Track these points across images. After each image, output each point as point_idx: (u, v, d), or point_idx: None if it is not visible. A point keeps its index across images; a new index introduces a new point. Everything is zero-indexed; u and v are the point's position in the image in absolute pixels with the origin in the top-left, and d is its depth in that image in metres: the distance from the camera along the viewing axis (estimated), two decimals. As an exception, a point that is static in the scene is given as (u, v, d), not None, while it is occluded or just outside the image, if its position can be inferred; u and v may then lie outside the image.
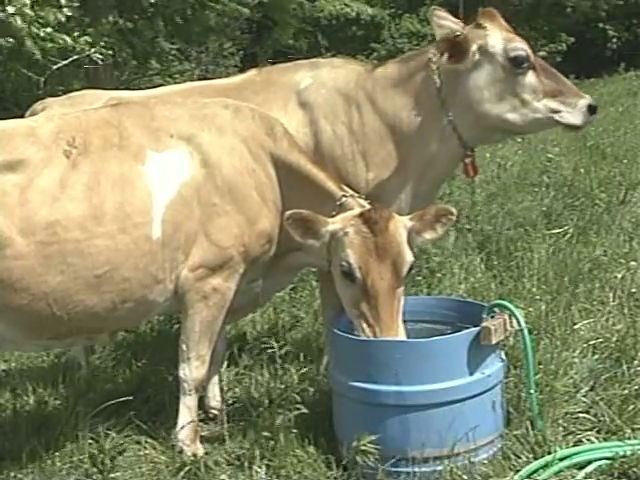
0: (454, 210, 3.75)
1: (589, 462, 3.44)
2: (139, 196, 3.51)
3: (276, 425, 3.66)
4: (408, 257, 3.58)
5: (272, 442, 3.64)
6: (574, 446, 3.57)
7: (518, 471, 3.40)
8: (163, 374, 4.62)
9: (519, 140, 10.97)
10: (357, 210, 3.66)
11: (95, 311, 3.48)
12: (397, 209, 4.12)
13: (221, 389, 4.31)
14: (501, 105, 4.00)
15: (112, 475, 3.70)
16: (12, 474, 3.73)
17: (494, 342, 3.46)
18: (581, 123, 4.03)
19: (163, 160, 3.60)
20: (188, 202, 3.59)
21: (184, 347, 3.77)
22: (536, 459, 3.46)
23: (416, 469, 3.39)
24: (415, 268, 3.93)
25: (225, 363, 4.46)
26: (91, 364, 4.74)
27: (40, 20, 8.33)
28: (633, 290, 5.13)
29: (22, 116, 4.30)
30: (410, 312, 3.78)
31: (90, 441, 3.88)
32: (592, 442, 3.60)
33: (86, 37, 9.34)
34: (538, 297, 4.98)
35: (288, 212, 3.59)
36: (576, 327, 4.60)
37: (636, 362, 4.14)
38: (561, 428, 3.68)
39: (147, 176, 3.55)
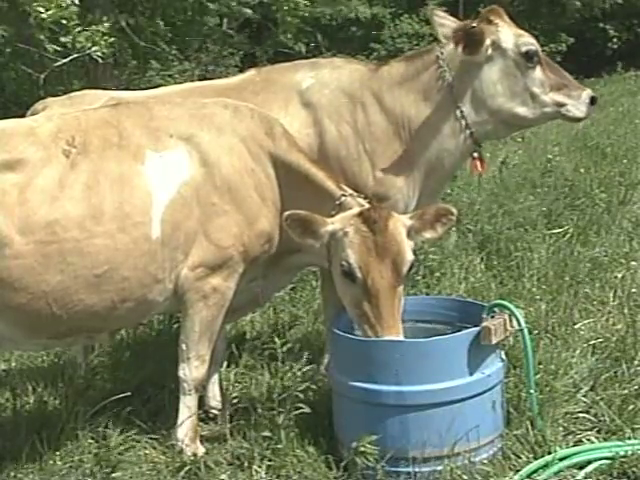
0: (454, 210, 3.75)
1: (589, 462, 3.44)
2: (138, 196, 3.51)
3: (276, 425, 3.66)
4: (408, 256, 3.57)
5: (272, 442, 3.64)
6: (574, 446, 3.57)
7: (518, 471, 3.40)
8: (163, 374, 4.61)
9: (519, 140, 10.98)
10: (356, 209, 3.66)
11: (94, 310, 3.48)
12: (404, 206, 4.14)
13: (221, 389, 4.31)
14: (512, 99, 4.10)
15: (113, 475, 3.71)
16: (12, 474, 3.73)
17: (494, 342, 3.46)
18: (584, 115, 4.18)
19: (162, 160, 3.60)
20: (187, 202, 3.59)
21: (184, 347, 3.77)
22: (536, 459, 3.46)
23: (416, 469, 3.39)
24: (414, 268, 3.93)
25: (225, 363, 4.46)
26: (90, 363, 4.74)
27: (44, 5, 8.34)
28: (633, 290, 5.13)
29: (22, 116, 4.30)
30: (410, 312, 3.78)
31: (90, 440, 3.89)
32: (592, 442, 3.60)
33: (86, 33, 9.33)
34: (538, 297, 4.98)
35: (286, 213, 3.59)
36: (576, 327, 4.60)
37: (636, 362, 4.14)
38: (561, 428, 3.68)
39: (146, 176, 3.55)
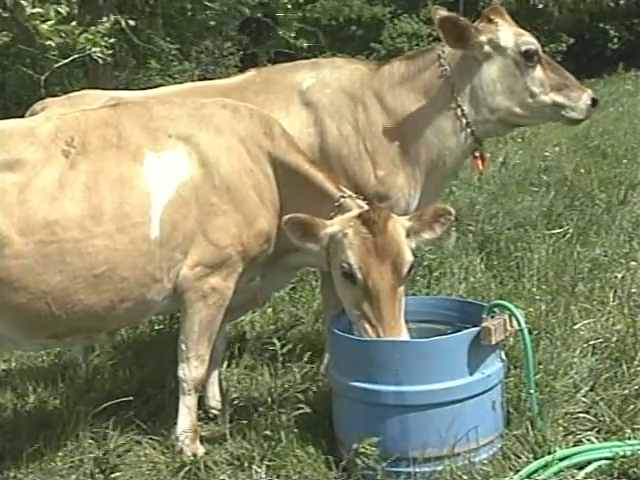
0: (452, 210, 3.76)
1: (589, 462, 3.44)
2: (137, 196, 3.51)
3: (276, 425, 3.66)
4: (408, 257, 3.57)
5: (272, 442, 3.64)
6: (574, 446, 3.57)
7: (518, 471, 3.40)
8: (163, 374, 4.61)
9: (519, 140, 10.98)
10: (355, 211, 3.66)
11: (94, 310, 3.49)
12: (406, 205, 4.14)
13: (221, 389, 4.31)
14: (512, 98, 4.11)
15: (112, 475, 3.71)
16: (12, 474, 3.73)
17: (494, 342, 3.46)
18: (584, 117, 4.19)
19: (161, 160, 3.60)
20: (186, 202, 3.59)
21: (183, 347, 3.77)
22: (536, 459, 3.45)
23: (416, 469, 3.39)
24: (414, 268, 3.93)
25: (225, 363, 4.46)
26: (91, 364, 4.74)
27: (41, 16, 8.37)
28: (633, 290, 5.13)
29: (22, 116, 4.31)
30: (410, 312, 3.78)
31: (90, 441, 3.89)
32: (592, 442, 3.60)
33: (86, 34, 9.34)
34: (538, 297, 4.98)
35: (286, 216, 3.58)
36: (576, 327, 4.60)
37: (636, 362, 4.14)
38: (561, 428, 3.68)
39: (145, 176, 3.55)
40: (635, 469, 3.36)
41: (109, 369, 4.75)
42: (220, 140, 3.74)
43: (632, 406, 3.76)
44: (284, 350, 3.79)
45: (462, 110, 4.12)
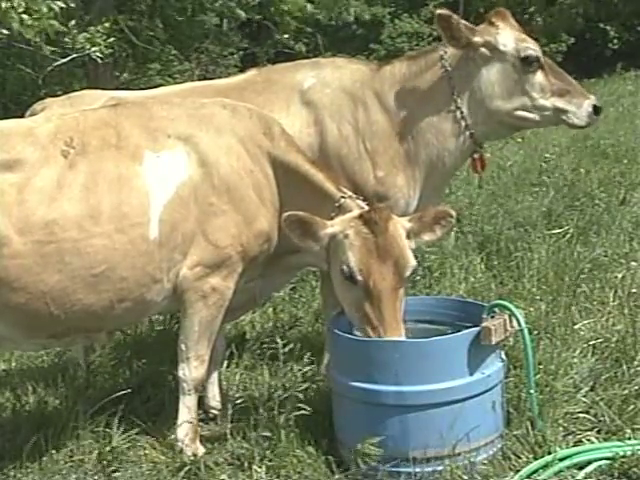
0: (453, 212, 3.75)
1: (589, 462, 3.44)
2: (136, 196, 3.51)
3: (276, 425, 3.66)
4: (409, 258, 3.57)
5: (272, 442, 3.64)
6: (574, 446, 3.56)
7: (518, 471, 3.40)
8: (163, 374, 4.61)
9: (519, 140, 10.97)
10: (356, 212, 3.65)
11: (93, 310, 3.49)
12: (405, 206, 4.14)
13: (221, 389, 4.31)
14: (511, 102, 4.10)
15: (113, 475, 3.71)
16: (12, 474, 3.73)
17: (494, 342, 3.46)
18: (585, 124, 4.17)
19: (160, 160, 3.60)
20: (185, 202, 3.59)
21: (183, 347, 3.77)
22: (536, 459, 3.45)
23: (416, 469, 3.39)
24: (415, 270, 3.93)
25: (225, 363, 4.46)
26: (91, 363, 4.74)
27: (34, 12, 8.30)
28: (633, 290, 5.12)
29: (22, 116, 4.31)
30: (410, 312, 3.78)
31: (91, 440, 3.89)
32: (592, 442, 3.60)
33: (85, 34, 9.33)
34: (538, 297, 4.98)
35: (286, 214, 3.58)
36: (576, 327, 4.60)
37: (636, 362, 4.14)
38: (561, 428, 3.67)
39: (144, 176, 3.55)
40: (635, 469, 3.35)
41: (109, 369, 4.75)
42: (219, 140, 3.74)
43: (632, 406, 3.76)
44: (285, 350, 3.79)
45: (462, 112, 4.12)
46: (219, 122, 3.79)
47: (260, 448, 3.63)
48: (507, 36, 4.10)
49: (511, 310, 3.59)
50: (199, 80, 10.71)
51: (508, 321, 3.57)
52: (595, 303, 5.03)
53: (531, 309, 4.73)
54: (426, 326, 3.91)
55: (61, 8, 8.68)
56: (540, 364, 3.99)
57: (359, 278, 3.50)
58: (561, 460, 3.42)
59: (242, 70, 5.83)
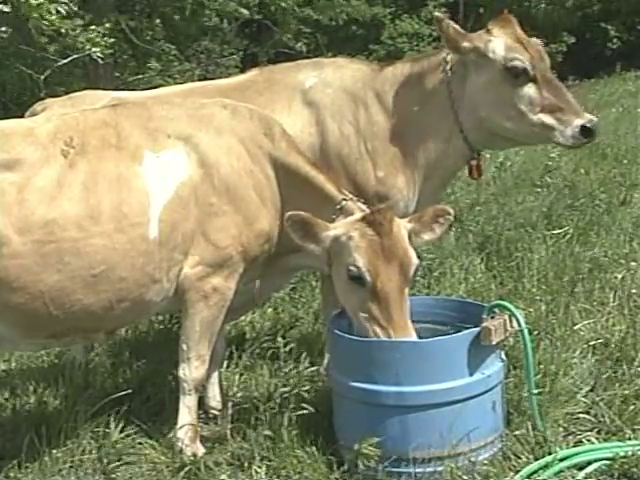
0: (451, 210, 3.77)
1: (589, 463, 3.44)
2: (136, 196, 3.51)
3: (277, 425, 3.66)
4: (414, 257, 3.58)
5: (273, 442, 3.64)
6: (574, 447, 3.57)
7: (518, 471, 3.40)
8: (163, 374, 4.61)
9: (519, 140, 10.95)
10: (359, 214, 3.65)
11: (92, 310, 3.48)
12: (405, 207, 4.14)
13: (221, 389, 4.31)
14: (499, 112, 4.02)
15: (112, 475, 3.71)
16: (12, 474, 3.73)
17: (494, 342, 3.46)
18: (570, 144, 4.02)
19: (160, 160, 3.60)
20: (185, 202, 3.59)
21: (184, 347, 3.77)
22: (536, 459, 3.45)
23: (417, 470, 3.39)
24: (419, 270, 3.94)
25: (225, 363, 4.46)
26: (90, 363, 4.74)
27: (38, 7, 8.34)
28: (633, 291, 5.13)
29: (22, 116, 4.31)
30: (410, 312, 3.78)
31: (90, 440, 3.89)
32: (592, 443, 3.60)
33: (86, 34, 9.35)
34: (538, 297, 4.98)
35: (288, 213, 3.58)
36: (576, 328, 4.60)
37: (636, 363, 4.14)
38: (561, 429, 3.68)
39: (144, 176, 3.55)
40: (635, 469, 3.36)
41: (109, 369, 4.75)
42: (220, 140, 3.74)
43: (632, 406, 3.76)
44: (286, 349, 3.79)
45: (457, 117, 4.09)
46: (219, 122, 3.79)
47: (260, 448, 3.64)
48: (498, 44, 3.99)
49: (511, 310, 3.60)
50: (199, 80, 10.71)
51: (508, 321, 3.57)
52: (595, 303, 5.03)
53: (531, 309, 4.74)
54: (426, 326, 3.91)
55: (67, 12, 8.74)
56: (540, 364, 4.00)
57: (367, 279, 3.48)
58: (561, 460, 3.43)
59: (242, 70, 5.84)
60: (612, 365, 4.19)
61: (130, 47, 13.18)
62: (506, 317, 3.57)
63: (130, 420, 4.03)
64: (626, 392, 3.88)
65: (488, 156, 9.48)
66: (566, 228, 6.46)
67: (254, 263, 3.82)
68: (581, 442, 3.62)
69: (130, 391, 4.09)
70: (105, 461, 3.77)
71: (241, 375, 4.60)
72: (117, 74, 13.78)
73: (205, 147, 3.69)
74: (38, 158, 3.43)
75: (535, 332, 4.35)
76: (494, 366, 3.54)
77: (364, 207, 3.73)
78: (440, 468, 3.40)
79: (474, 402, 3.44)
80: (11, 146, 3.43)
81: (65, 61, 10.45)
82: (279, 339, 3.79)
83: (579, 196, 7.45)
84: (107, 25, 10.12)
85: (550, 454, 3.46)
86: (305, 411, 3.65)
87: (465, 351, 3.43)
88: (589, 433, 3.67)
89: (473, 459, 3.42)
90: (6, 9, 8.29)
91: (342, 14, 17.39)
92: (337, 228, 3.62)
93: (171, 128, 3.70)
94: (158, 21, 13.55)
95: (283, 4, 13.36)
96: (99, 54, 9.69)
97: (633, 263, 5.63)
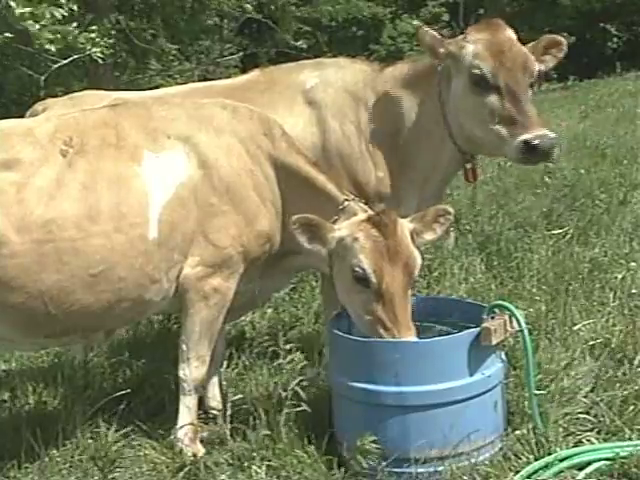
0: (451, 209, 3.77)
1: (589, 463, 3.44)
2: (135, 196, 3.51)
3: (276, 425, 3.66)
4: (418, 258, 3.58)
5: (272, 442, 3.64)
6: (574, 447, 3.56)
7: (518, 472, 3.39)
8: (163, 374, 4.61)
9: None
10: (363, 215, 3.65)
11: (91, 310, 3.49)
12: (405, 209, 4.13)
13: (221, 389, 4.31)
14: (468, 119, 3.98)
15: (112, 475, 3.71)
16: (12, 474, 3.73)
17: (494, 343, 3.46)
18: (514, 159, 3.92)
19: (160, 160, 3.60)
20: (185, 202, 3.59)
21: (184, 347, 3.77)
22: (536, 460, 3.45)
23: (417, 470, 3.39)
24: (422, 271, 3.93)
25: (225, 363, 4.45)
26: (90, 362, 4.74)
27: (32, 15, 8.34)
28: (633, 291, 5.13)
29: (22, 116, 4.31)
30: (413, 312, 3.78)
31: (90, 440, 3.89)
32: (592, 443, 3.60)
33: (86, 34, 9.34)
34: (538, 297, 4.97)
35: (295, 217, 3.56)
36: (576, 328, 4.60)
37: (636, 363, 4.14)
38: (561, 429, 3.67)
39: (143, 176, 3.55)
40: (635, 470, 3.35)
41: (108, 369, 4.75)
42: (220, 141, 3.74)
43: (632, 407, 3.75)
44: (285, 348, 3.79)
45: (446, 120, 4.06)
46: (219, 122, 3.79)
47: (260, 448, 3.63)
48: (468, 50, 3.92)
49: (511, 311, 3.59)
50: (199, 80, 10.71)
51: (508, 322, 3.57)
52: (595, 303, 5.03)
53: (531, 309, 4.73)
54: (426, 326, 3.91)
55: (63, 16, 8.73)
56: (540, 364, 3.99)
57: (373, 280, 3.48)
58: (561, 461, 3.42)
59: (243, 70, 5.85)
60: (612, 365, 4.19)
61: (130, 47, 13.18)
62: (506, 317, 3.57)
63: (130, 420, 4.03)
64: (626, 392, 3.87)
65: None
66: (566, 228, 6.45)
67: (254, 263, 3.81)
68: (581, 442, 3.61)
69: (129, 391, 4.09)
70: (105, 461, 3.76)
71: (241, 375, 4.60)
72: (117, 74, 13.79)
73: (205, 147, 3.68)
74: (37, 158, 3.44)
75: (535, 332, 4.35)
76: (494, 366, 3.54)
77: (366, 207, 3.73)
78: (440, 468, 3.40)
79: (474, 402, 3.44)
80: (10, 145, 3.44)
81: (65, 62, 10.45)
82: (280, 337, 3.77)
83: (579, 196, 7.44)
84: (107, 25, 10.12)
85: (550, 454, 3.45)
86: (305, 410, 3.65)
87: (465, 351, 3.43)
88: (589, 433, 3.67)
89: (473, 459, 3.42)
90: (7, 20, 8.30)
91: (341, 12, 17.38)
92: (342, 229, 3.62)
93: (171, 128, 3.70)
94: (158, 21, 13.55)
95: (280, 2, 13.37)
96: (99, 54, 9.69)
97: (633, 263, 5.62)
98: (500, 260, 5.96)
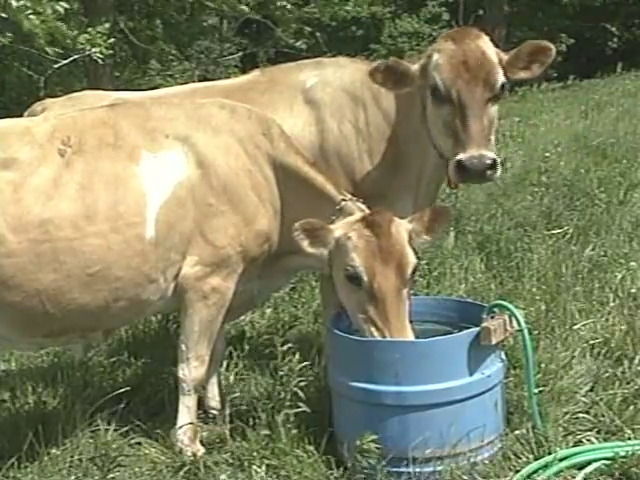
0: (450, 209, 3.76)
1: (589, 462, 3.44)
2: (132, 196, 3.51)
3: (276, 425, 3.66)
4: (411, 258, 3.58)
5: (272, 442, 3.64)
6: (574, 446, 3.57)
7: (518, 471, 3.40)
8: (162, 373, 4.61)
9: (519, 140, 10.97)
10: (358, 214, 3.66)
11: (88, 309, 3.49)
12: (402, 209, 4.12)
13: (220, 389, 4.31)
14: (431, 127, 3.91)
15: (112, 475, 3.71)
16: (12, 474, 3.73)
17: (494, 342, 3.46)
18: (451, 177, 3.80)
19: (158, 160, 3.60)
20: (182, 202, 3.59)
21: (183, 347, 3.77)
22: (536, 459, 3.46)
23: (416, 469, 3.39)
24: (417, 271, 3.92)
25: (225, 363, 4.46)
26: (89, 361, 4.74)
27: (27, 8, 8.32)
28: (633, 290, 5.13)
29: (21, 116, 4.31)
30: (411, 312, 3.78)
31: (90, 440, 3.89)
32: (592, 442, 3.60)
33: (86, 35, 9.34)
34: (538, 297, 4.98)
35: (297, 223, 3.56)
36: (576, 327, 4.60)
37: (636, 362, 4.14)
38: (561, 428, 3.68)
39: (141, 176, 3.55)
40: (635, 469, 3.35)
41: (107, 368, 4.75)
42: (218, 140, 3.74)
43: (632, 406, 3.76)
44: (284, 348, 3.79)
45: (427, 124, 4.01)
46: (217, 122, 3.79)
47: (260, 448, 3.63)
48: (433, 59, 3.82)
49: (511, 310, 3.60)
50: (199, 80, 10.71)
51: (508, 321, 3.58)
52: (595, 303, 5.03)
53: (531, 309, 4.73)
54: (426, 326, 3.91)
55: (65, 9, 8.70)
56: (540, 364, 3.99)
57: (364, 280, 3.50)
58: (561, 460, 3.43)
59: (242, 70, 5.85)
60: (612, 365, 4.20)
61: (130, 47, 13.18)
62: (506, 317, 3.57)
63: (129, 420, 4.03)
64: (626, 392, 3.88)
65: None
66: (565, 228, 6.45)
67: (253, 263, 3.82)
68: (581, 442, 3.62)
69: (129, 390, 4.09)
70: (104, 460, 3.76)
71: (240, 375, 4.60)
72: (117, 74, 13.79)
73: (203, 147, 3.68)
74: (35, 157, 3.44)
75: (535, 332, 4.35)
76: (494, 366, 3.54)
77: (363, 207, 3.74)
78: (440, 468, 3.40)
79: (474, 402, 3.44)
80: (8, 145, 3.44)
81: (65, 62, 10.45)
82: (278, 338, 3.77)
83: (579, 196, 7.44)
84: (107, 25, 10.11)
85: (550, 454, 3.46)
86: (304, 410, 3.65)
87: (465, 351, 3.43)
88: (589, 433, 3.67)
89: (473, 459, 3.42)
90: (4, 15, 8.27)
91: (341, 11, 17.36)
92: (338, 229, 3.62)
93: (169, 128, 3.70)
94: (158, 21, 13.56)
95: (278, 3, 13.36)
96: (99, 54, 9.69)
97: (633, 263, 5.62)
98: (500, 260, 5.96)
